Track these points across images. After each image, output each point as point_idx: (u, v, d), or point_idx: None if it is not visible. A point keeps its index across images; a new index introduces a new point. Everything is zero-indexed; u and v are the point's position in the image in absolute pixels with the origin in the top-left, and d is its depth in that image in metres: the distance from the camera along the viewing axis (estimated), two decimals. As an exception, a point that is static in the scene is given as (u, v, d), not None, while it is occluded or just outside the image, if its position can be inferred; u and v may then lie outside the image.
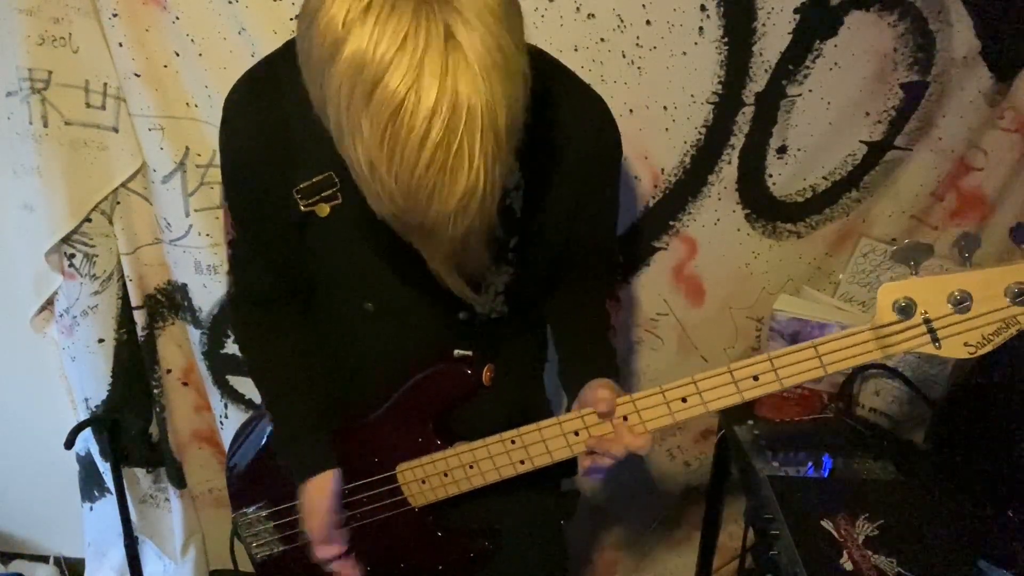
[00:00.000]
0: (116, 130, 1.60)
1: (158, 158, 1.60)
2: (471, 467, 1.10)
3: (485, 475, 1.10)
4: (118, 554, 2.01)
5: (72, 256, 1.68)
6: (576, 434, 1.03)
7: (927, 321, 0.86)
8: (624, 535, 1.94)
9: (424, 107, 0.65)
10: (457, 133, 0.66)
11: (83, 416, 1.84)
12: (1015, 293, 0.82)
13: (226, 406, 1.84)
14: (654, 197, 1.57)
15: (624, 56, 1.44)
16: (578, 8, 1.41)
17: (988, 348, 0.85)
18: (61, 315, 1.75)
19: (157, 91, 1.54)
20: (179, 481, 1.93)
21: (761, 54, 1.42)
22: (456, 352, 1.10)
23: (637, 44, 1.43)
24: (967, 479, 1.28)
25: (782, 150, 1.50)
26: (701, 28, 1.40)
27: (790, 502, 1.22)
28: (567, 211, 1.04)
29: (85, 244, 1.67)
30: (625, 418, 1.00)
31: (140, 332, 1.77)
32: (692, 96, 1.46)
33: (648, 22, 1.41)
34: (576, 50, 1.43)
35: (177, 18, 1.47)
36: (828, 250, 1.60)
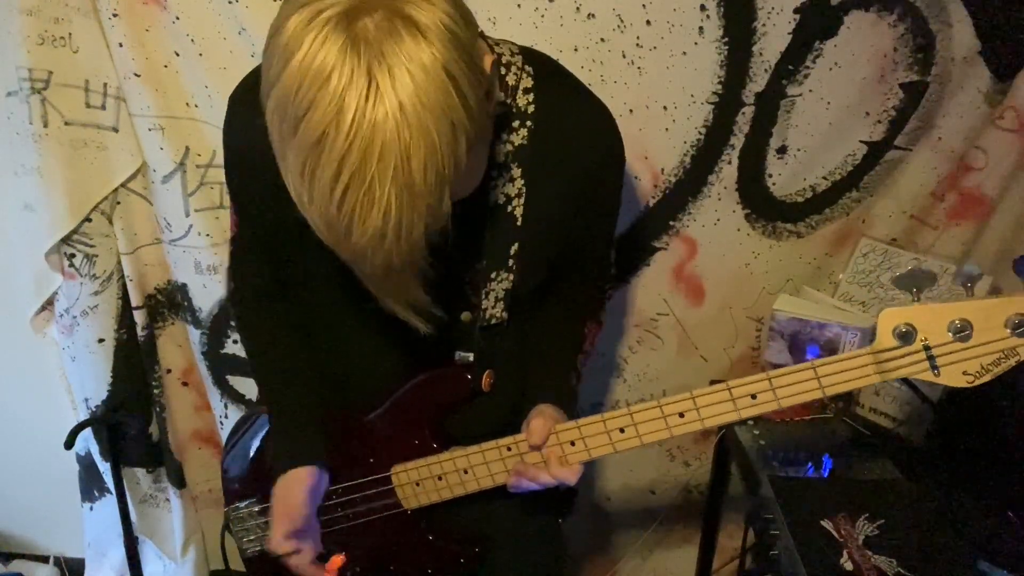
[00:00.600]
0: (116, 130, 1.60)
1: (158, 158, 1.60)
2: (466, 472, 1.10)
3: (479, 480, 1.10)
4: (118, 554, 2.01)
5: (72, 256, 1.68)
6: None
7: (927, 348, 0.87)
8: (624, 535, 1.94)
9: (338, 146, 0.66)
10: (365, 176, 0.67)
11: (83, 416, 1.84)
12: (1015, 324, 0.83)
13: (226, 406, 1.84)
14: (654, 197, 1.57)
15: (624, 56, 1.44)
16: (578, 8, 1.41)
17: (986, 378, 0.86)
18: (61, 315, 1.75)
19: (157, 91, 1.54)
20: (179, 481, 1.93)
21: (761, 54, 1.42)
22: (457, 355, 1.10)
23: (637, 44, 1.43)
24: (967, 479, 1.28)
25: (782, 150, 1.50)
26: (701, 28, 1.41)
27: (790, 502, 1.22)
28: (567, 220, 1.04)
29: (85, 244, 1.67)
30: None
31: (140, 332, 1.77)
32: (692, 96, 1.46)
33: (648, 22, 1.41)
34: (576, 50, 1.43)
35: (177, 18, 1.47)
36: (828, 250, 1.60)
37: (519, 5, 1.42)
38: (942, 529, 1.17)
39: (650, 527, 1.89)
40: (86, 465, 1.96)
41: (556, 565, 1.32)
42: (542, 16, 1.42)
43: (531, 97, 0.96)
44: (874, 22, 1.38)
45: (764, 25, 1.40)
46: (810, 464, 1.36)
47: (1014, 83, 1.38)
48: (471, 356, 1.09)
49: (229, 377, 1.82)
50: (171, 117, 1.57)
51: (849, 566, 1.09)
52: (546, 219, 1.02)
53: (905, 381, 1.43)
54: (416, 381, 1.12)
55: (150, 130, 1.57)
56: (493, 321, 1.07)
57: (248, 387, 1.81)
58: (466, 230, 0.99)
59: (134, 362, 1.82)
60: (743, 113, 1.47)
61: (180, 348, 1.84)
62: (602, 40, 1.43)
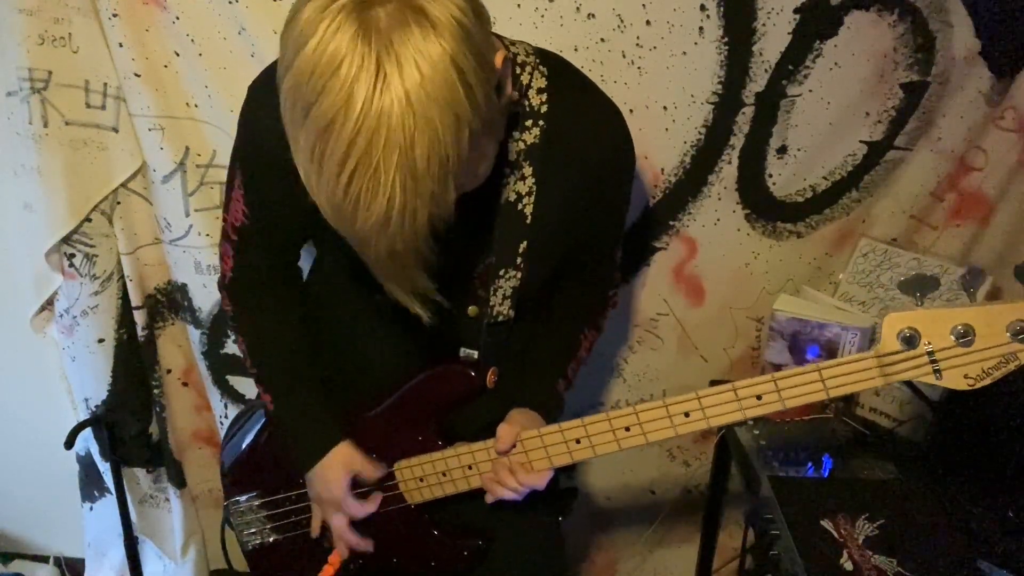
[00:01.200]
0: (116, 130, 1.60)
1: (158, 158, 1.60)
2: (470, 468, 1.11)
3: (483, 477, 1.11)
4: (118, 554, 2.01)
5: (72, 256, 1.68)
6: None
7: (930, 352, 0.88)
8: (624, 535, 1.94)
9: (346, 132, 0.68)
10: (371, 162, 0.69)
11: (83, 416, 1.84)
12: (1016, 330, 0.85)
13: (226, 406, 1.84)
14: (654, 197, 1.57)
15: (624, 56, 1.44)
16: (578, 8, 1.41)
17: (987, 381, 0.88)
18: (61, 315, 1.75)
19: (157, 91, 1.54)
20: (179, 481, 1.93)
21: (761, 54, 1.42)
22: (462, 351, 1.10)
23: (637, 44, 1.43)
24: (967, 479, 1.28)
25: (782, 150, 1.50)
26: (701, 28, 1.40)
27: (790, 502, 1.22)
28: (577, 219, 1.05)
29: (85, 244, 1.67)
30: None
31: (140, 332, 1.77)
32: (692, 96, 1.46)
33: (648, 22, 1.41)
34: (576, 50, 1.43)
35: (177, 18, 1.47)
36: (828, 250, 1.60)
37: (519, 5, 1.42)
38: (942, 529, 1.17)
39: (650, 527, 1.89)
40: (86, 465, 1.96)
41: (556, 565, 1.32)
42: (542, 16, 1.42)
43: (544, 97, 0.97)
44: (874, 22, 1.38)
45: (764, 25, 1.39)
46: (810, 464, 1.36)
47: (1014, 83, 1.38)
48: (476, 353, 1.10)
49: (229, 377, 1.82)
50: (171, 117, 1.56)
51: (849, 566, 1.09)
52: (556, 218, 1.03)
53: (906, 382, 1.43)
54: (421, 378, 1.12)
55: (150, 130, 1.57)
56: (500, 319, 1.08)
57: (248, 387, 1.81)
58: (477, 225, 1.00)
59: (134, 362, 1.81)
60: (743, 113, 1.47)
61: (180, 348, 1.84)
62: (602, 40, 1.43)
